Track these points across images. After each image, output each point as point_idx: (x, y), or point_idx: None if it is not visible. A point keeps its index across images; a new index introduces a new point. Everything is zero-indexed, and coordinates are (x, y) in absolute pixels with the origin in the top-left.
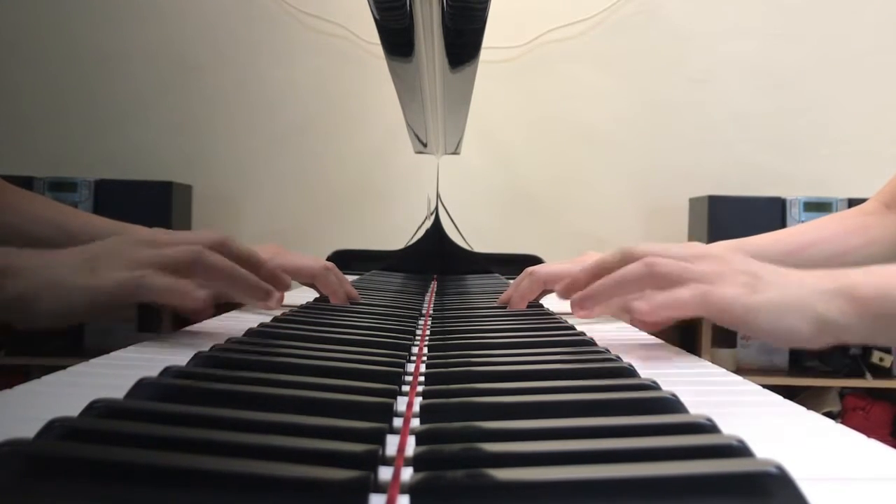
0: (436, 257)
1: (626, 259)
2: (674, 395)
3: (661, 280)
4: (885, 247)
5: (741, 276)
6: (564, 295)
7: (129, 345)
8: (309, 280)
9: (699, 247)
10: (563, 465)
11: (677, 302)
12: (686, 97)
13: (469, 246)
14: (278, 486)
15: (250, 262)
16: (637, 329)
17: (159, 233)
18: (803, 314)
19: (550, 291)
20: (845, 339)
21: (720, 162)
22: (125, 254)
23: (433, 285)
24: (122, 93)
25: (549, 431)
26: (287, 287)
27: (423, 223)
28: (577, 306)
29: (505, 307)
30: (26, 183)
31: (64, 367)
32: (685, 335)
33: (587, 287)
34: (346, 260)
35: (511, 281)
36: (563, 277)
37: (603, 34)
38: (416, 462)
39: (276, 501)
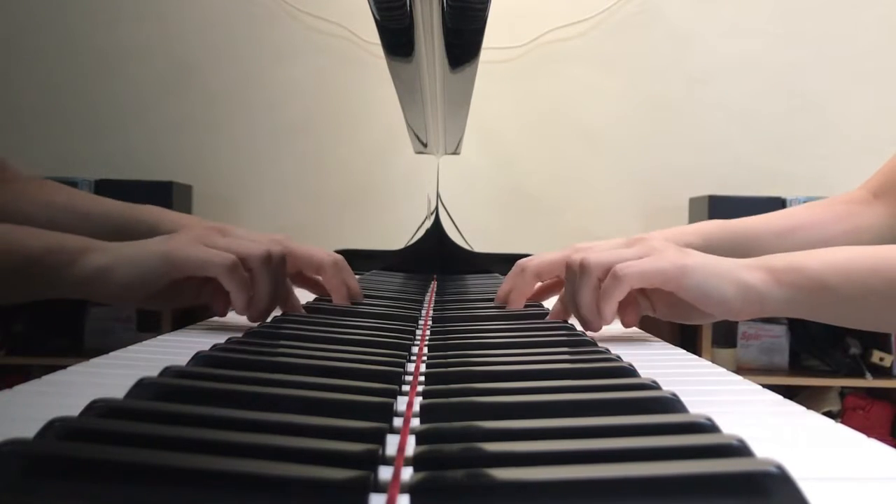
0: (436, 257)
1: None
2: (674, 395)
3: (598, 273)
4: (870, 235)
5: (672, 249)
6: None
7: (129, 345)
8: (315, 271)
9: (636, 237)
10: (563, 465)
11: (604, 289)
12: (686, 97)
13: (469, 246)
14: (278, 485)
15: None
16: (636, 328)
17: (230, 227)
18: (728, 279)
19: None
20: (769, 310)
21: (720, 162)
22: (201, 238)
23: (433, 285)
24: (121, 93)
25: (549, 431)
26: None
27: (423, 223)
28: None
29: (504, 307)
30: None
31: (64, 367)
32: (685, 335)
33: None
34: (346, 260)
35: None
36: (554, 267)
37: (603, 34)
38: (416, 462)
39: (276, 501)
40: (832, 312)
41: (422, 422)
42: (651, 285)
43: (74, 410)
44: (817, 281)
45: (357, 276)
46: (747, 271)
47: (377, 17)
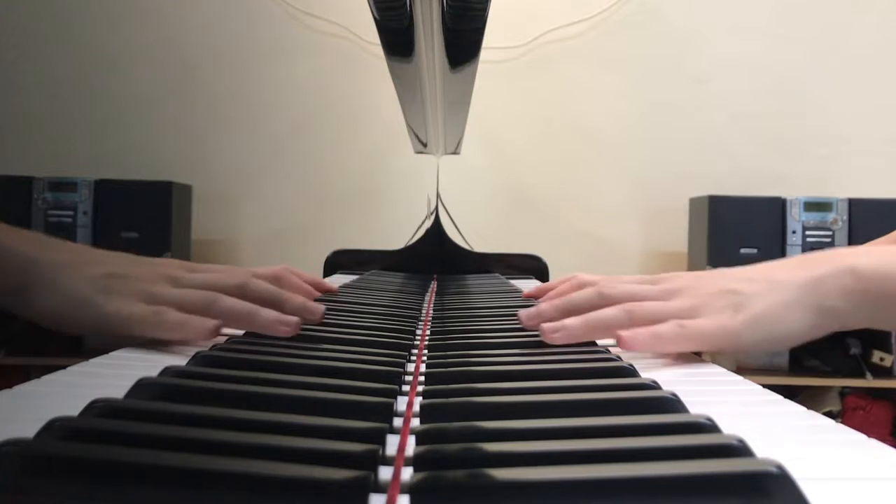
0: (436, 257)
1: (600, 301)
2: (674, 395)
3: (640, 323)
4: None
5: (720, 299)
6: (528, 324)
7: (129, 345)
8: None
9: (672, 279)
10: (563, 465)
11: (659, 340)
12: (686, 97)
13: (469, 246)
14: (278, 485)
15: (272, 302)
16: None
17: (180, 268)
18: (798, 313)
19: None
20: (847, 324)
21: (720, 162)
22: (145, 284)
23: (433, 285)
24: (122, 93)
25: (549, 431)
26: (319, 315)
27: (423, 223)
28: (548, 336)
29: (505, 307)
30: (26, 183)
31: (64, 367)
32: None
33: (560, 320)
34: (345, 260)
35: (512, 282)
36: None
37: (603, 34)
38: (416, 462)
39: (276, 501)
40: None
41: (422, 422)
42: (703, 350)
43: (74, 410)
44: None
45: (357, 276)
46: (823, 289)
47: (377, 17)
